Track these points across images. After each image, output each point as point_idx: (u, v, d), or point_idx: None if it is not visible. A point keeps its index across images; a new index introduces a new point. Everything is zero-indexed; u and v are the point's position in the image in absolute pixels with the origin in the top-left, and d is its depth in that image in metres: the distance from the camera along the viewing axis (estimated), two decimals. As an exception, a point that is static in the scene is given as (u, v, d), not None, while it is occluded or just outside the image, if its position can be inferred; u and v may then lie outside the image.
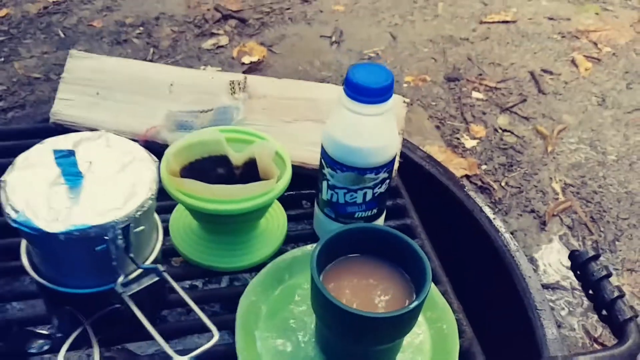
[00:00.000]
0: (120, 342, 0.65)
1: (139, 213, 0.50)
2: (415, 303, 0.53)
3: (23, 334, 0.60)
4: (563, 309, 1.20)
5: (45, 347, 0.60)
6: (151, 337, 0.69)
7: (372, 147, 0.64)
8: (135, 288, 0.53)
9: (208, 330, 0.64)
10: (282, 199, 0.78)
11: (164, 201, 0.61)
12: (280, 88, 0.84)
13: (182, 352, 0.54)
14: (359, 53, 1.92)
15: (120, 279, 0.52)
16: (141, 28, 1.93)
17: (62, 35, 1.85)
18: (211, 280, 0.87)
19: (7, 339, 0.60)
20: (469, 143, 1.59)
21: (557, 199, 1.45)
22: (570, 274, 1.25)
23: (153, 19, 1.97)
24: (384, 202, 0.71)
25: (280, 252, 0.72)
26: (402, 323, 0.55)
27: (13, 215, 0.48)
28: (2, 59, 1.73)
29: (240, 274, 0.85)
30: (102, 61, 0.85)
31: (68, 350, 0.57)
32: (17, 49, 1.78)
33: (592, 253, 0.76)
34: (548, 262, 1.29)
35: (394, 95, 0.64)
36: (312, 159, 0.79)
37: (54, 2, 2.00)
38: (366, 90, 0.61)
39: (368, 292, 0.59)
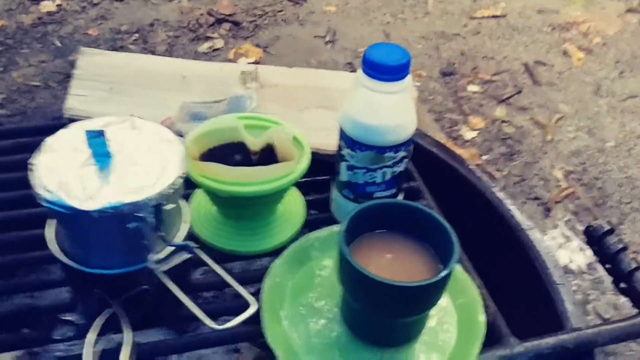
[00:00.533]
0: (145, 326, 0.65)
1: (170, 191, 0.51)
2: (445, 272, 0.54)
3: (49, 321, 0.60)
4: (574, 292, 1.21)
5: (70, 334, 0.60)
6: (172, 320, 0.69)
7: (391, 125, 0.65)
8: (167, 265, 0.53)
9: (233, 313, 0.65)
10: (297, 185, 0.79)
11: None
12: (291, 77, 0.85)
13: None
14: (353, 51, 1.93)
15: (152, 257, 0.53)
16: (136, 34, 1.93)
17: (58, 44, 1.85)
18: (226, 265, 0.86)
19: (33, 326, 0.60)
20: (469, 135, 1.60)
21: (559, 186, 1.46)
22: (579, 258, 1.27)
23: (148, 25, 1.98)
24: (402, 181, 0.72)
25: (298, 236, 0.72)
26: (431, 293, 0.56)
27: (46, 195, 0.48)
28: (1, 69, 1.73)
29: (256, 259, 0.85)
30: (113, 57, 0.86)
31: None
32: (14, 58, 1.78)
33: (607, 227, 0.77)
34: (555, 247, 1.30)
35: (409, 75, 0.65)
36: (325, 144, 0.80)
37: (47, 12, 2.00)
38: (385, 68, 0.61)
39: (395, 266, 0.60)
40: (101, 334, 0.59)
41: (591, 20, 2.14)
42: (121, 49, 1.85)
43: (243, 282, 0.71)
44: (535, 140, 1.60)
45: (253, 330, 0.63)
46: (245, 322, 0.73)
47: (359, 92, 0.64)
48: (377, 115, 0.64)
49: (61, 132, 0.55)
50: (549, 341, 0.65)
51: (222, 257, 0.72)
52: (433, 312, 0.63)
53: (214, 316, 0.68)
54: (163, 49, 1.87)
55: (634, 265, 0.73)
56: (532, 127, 1.65)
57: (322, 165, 0.79)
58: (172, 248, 0.55)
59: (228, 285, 0.63)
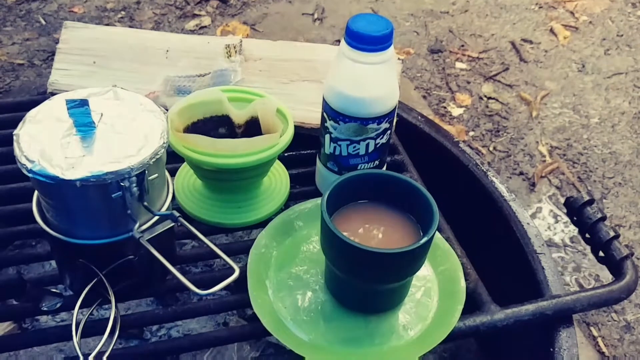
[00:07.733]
0: (132, 297, 0.65)
1: (153, 160, 0.51)
2: (425, 239, 0.55)
3: (36, 293, 0.60)
4: (557, 264, 1.23)
5: (58, 305, 0.61)
6: (160, 292, 0.70)
7: (374, 96, 0.65)
8: (152, 234, 0.53)
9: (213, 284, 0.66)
10: (281, 159, 0.79)
11: (167, 164, 0.61)
12: (275, 50, 0.85)
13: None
14: (342, 29, 1.92)
15: (137, 226, 0.53)
16: (123, 12, 1.91)
17: (43, 22, 1.84)
18: (213, 238, 0.87)
19: (21, 298, 0.60)
20: (456, 111, 1.61)
21: (544, 161, 1.48)
22: (562, 231, 1.28)
23: (134, 3, 1.96)
24: (385, 153, 0.73)
25: (283, 209, 0.73)
26: (411, 259, 0.57)
27: (29, 165, 0.49)
28: (-17, 47, 1.72)
29: (244, 233, 0.86)
30: (96, 30, 0.86)
31: (81, 307, 0.57)
32: (-3, 36, 1.76)
33: (587, 198, 0.78)
34: (539, 221, 1.32)
35: (392, 46, 0.65)
36: (310, 118, 0.80)
37: (31, -11, 1.97)
38: (368, 38, 0.62)
39: (377, 235, 0.61)
40: (88, 304, 0.59)
41: (578, -2, 2.14)
42: (107, 27, 1.84)
43: (230, 254, 0.71)
44: (521, 116, 1.61)
45: (239, 299, 0.64)
46: (231, 293, 0.74)
47: (342, 63, 0.64)
48: (359, 86, 0.64)
49: (45, 104, 0.55)
50: (528, 308, 0.67)
51: (208, 229, 0.73)
52: (415, 279, 0.64)
53: (202, 287, 0.69)
54: (149, 26, 1.86)
55: (612, 234, 0.75)
56: (518, 103, 1.66)
57: (307, 139, 0.80)
58: (157, 218, 0.56)
59: (214, 256, 0.64)
